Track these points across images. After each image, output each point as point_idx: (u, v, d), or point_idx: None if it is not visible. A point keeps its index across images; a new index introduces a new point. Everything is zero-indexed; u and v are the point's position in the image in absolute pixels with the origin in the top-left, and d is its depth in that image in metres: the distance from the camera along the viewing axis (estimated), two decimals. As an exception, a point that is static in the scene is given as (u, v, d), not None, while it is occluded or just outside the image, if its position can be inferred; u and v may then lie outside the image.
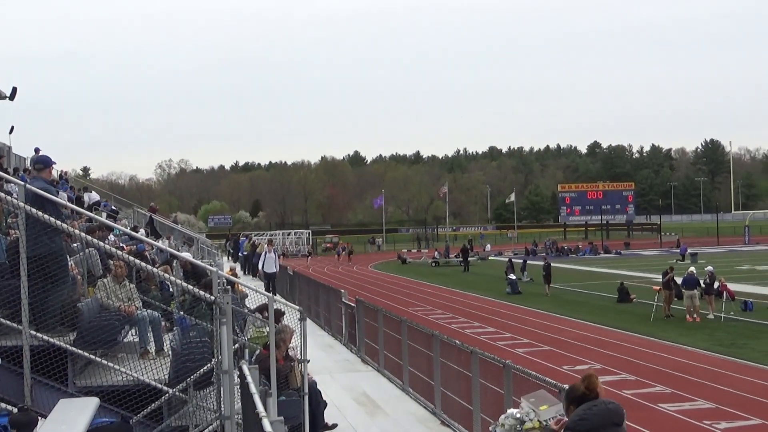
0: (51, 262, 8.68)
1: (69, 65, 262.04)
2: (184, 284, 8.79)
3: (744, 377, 20.27)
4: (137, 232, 20.74)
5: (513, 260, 51.72)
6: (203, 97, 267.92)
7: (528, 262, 55.66)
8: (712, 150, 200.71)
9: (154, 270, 9.25)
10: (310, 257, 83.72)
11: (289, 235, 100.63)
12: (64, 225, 8.54)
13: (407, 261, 75.46)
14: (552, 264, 43.69)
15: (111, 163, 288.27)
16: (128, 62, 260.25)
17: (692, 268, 33.10)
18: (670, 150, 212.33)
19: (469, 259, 64.69)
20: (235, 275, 29.44)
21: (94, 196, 29.05)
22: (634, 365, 21.87)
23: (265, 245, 37.37)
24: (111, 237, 16.40)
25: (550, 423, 7.69)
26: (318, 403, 12.45)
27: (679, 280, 31.93)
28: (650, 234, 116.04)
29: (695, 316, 30.25)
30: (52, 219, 8.32)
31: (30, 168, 28.99)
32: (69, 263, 9.80)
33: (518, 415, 7.93)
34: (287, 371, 11.73)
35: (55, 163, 10.87)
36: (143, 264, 8.93)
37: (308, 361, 11.90)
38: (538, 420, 7.82)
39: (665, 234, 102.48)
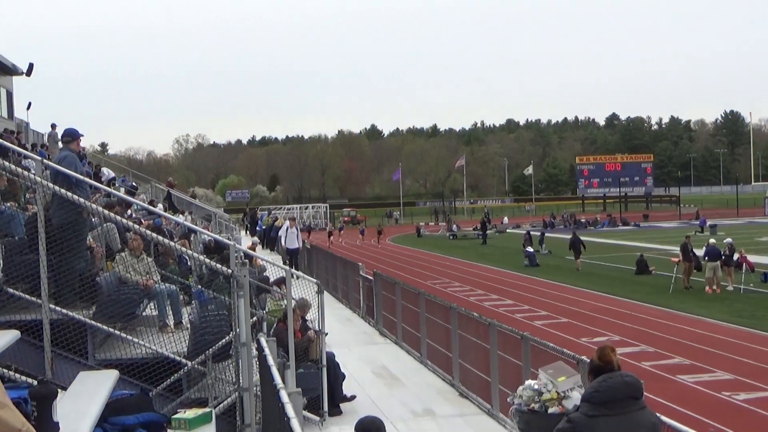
0: (73, 231, 8.73)
1: (85, 41, 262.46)
2: (202, 258, 8.80)
3: (763, 348, 20.19)
4: (155, 207, 20.81)
5: (531, 233, 51.61)
6: (220, 72, 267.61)
7: (546, 234, 55.44)
8: (732, 121, 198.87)
9: (172, 244, 9.27)
10: (331, 237, 65.37)
11: (306, 209, 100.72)
12: (82, 198, 8.55)
13: (422, 234, 75.43)
14: (568, 237, 43.45)
15: (129, 138, 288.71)
16: (145, 36, 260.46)
17: (712, 240, 32.98)
18: (689, 121, 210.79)
19: (487, 232, 64.57)
20: (254, 250, 29.59)
21: (108, 173, 29.11)
22: (653, 337, 21.83)
23: (286, 221, 37.38)
24: (129, 212, 16.47)
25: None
26: (337, 376, 12.49)
27: (698, 251, 31.80)
28: (669, 206, 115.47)
29: (715, 287, 30.14)
30: (73, 194, 8.35)
31: (47, 143, 29.13)
32: (88, 237, 9.86)
33: (536, 387, 7.94)
34: (305, 344, 11.77)
35: (83, 135, 10.90)
36: (160, 238, 8.94)
37: (326, 334, 11.93)
38: (556, 391, 7.84)
39: (684, 206, 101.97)
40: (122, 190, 26.31)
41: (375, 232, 69.70)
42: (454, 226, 76.16)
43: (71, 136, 10.16)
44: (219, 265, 8.49)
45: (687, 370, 18.00)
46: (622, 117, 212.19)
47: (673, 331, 22.59)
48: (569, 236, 44.30)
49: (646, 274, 36.10)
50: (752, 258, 33.92)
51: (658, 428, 5.17)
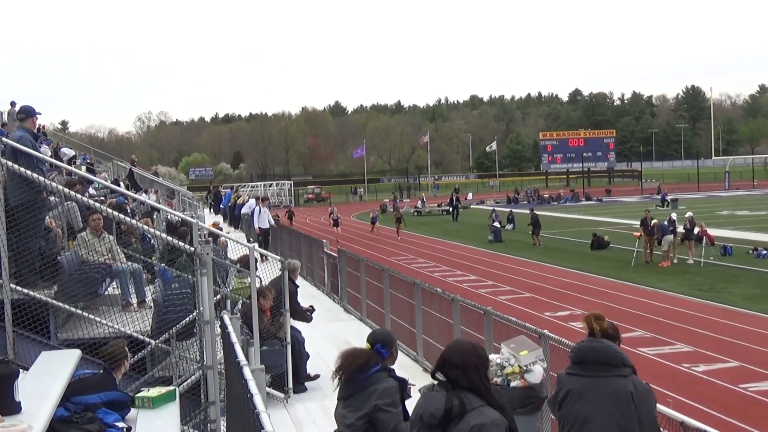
0: (31, 211, 8.65)
1: (45, 16, 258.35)
2: (164, 236, 8.77)
3: (722, 320, 20.55)
4: (118, 186, 20.64)
5: (496, 209, 51.89)
6: (182, 47, 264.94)
7: (514, 211, 55.53)
8: (693, 96, 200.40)
9: (134, 222, 9.22)
10: (339, 227, 48.80)
11: (270, 186, 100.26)
12: (40, 177, 8.46)
13: (386, 210, 75.43)
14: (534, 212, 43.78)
15: (89, 116, 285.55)
16: (106, 12, 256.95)
17: (673, 214, 33.41)
18: (651, 97, 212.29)
19: (459, 207, 64.40)
20: (218, 229, 29.45)
21: (68, 152, 28.76)
22: (615, 310, 22.08)
23: (250, 198, 37.24)
24: (91, 190, 16.32)
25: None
26: (301, 354, 12.52)
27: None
28: (631, 181, 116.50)
29: (674, 260, 30.82)
30: (28, 171, 8.27)
31: (6, 121, 28.71)
32: (47, 216, 9.77)
33: (499, 361, 8.04)
34: (276, 327, 11.77)
35: (39, 114, 10.75)
36: (122, 216, 8.89)
37: (288, 311, 11.93)
38: (519, 365, 7.94)
39: (646, 181, 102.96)
40: (83, 168, 26.04)
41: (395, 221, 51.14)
42: (419, 202, 76.33)
43: (26, 113, 9.98)
44: (182, 243, 8.46)
45: (648, 342, 18.27)
46: (585, 93, 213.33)
47: (635, 305, 22.89)
48: (542, 213, 44.62)
49: (604, 248, 36.54)
50: (712, 231, 34.42)
51: (628, 398, 5.30)
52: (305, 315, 13.38)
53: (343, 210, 77.02)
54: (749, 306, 22.37)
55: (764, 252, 31.81)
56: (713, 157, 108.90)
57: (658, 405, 5.72)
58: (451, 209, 64.11)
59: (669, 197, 66.06)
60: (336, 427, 5.84)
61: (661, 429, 5.62)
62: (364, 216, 69.56)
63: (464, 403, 4.39)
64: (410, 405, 5.01)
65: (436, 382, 4.60)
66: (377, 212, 55.81)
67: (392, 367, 5.82)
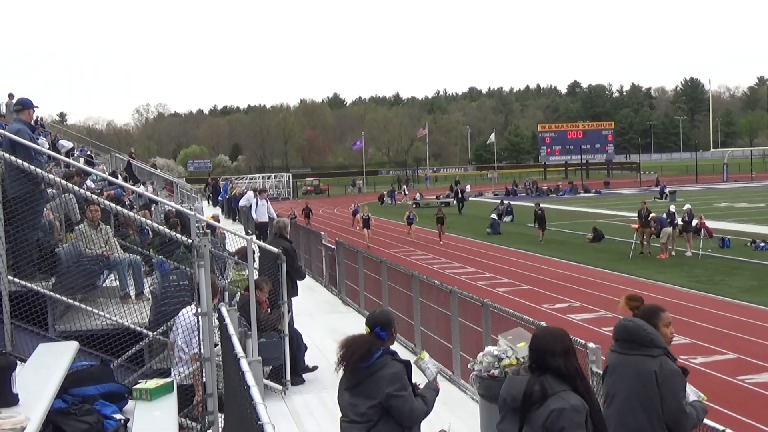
0: (29, 203, 8.65)
1: (43, 9, 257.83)
2: (161, 228, 8.76)
3: (720, 312, 20.57)
4: (116, 178, 20.63)
5: (505, 203, 51.98)
6: (181, 39, 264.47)
7: (513, 203, 55.52)
8: (692, 88, 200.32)
9: (130, 213, 9.22)
10: (369, 229, 40.96)
11: (269, 178, 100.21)
12: (38, 169, 8.46)
13: (384, 200, 75.37)
14: (530, 204, 43.72)
15: (88, 108, 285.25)
16: (105, 4, 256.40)
17: (672, 207, 33.45)
18: (650, 89, 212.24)
19: (464, 199, 63.87)
20: (218, 221, 29.41)
21: (67, 144, 28.75)
22: (613, 303, 21.94)
23: (248, 191, 37.07)
24: (89, 183, 16.32)
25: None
26: (299, 346, 12.52)
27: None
28: (630, 173, 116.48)
29: (672, 252, 30.82)
30: (26, 163, 8.26)
31: (3, 113, 28.68)
32: (44, 208, 9.77)
33: (496, 353, 8.03)
34: (275, 319, 11.75)
35: (37, 107, 10.73)
36: (119, 208, 8.89)
37: (285, 303, 11.93)
38: (516, 357, 7.93)
39: (644, 173, 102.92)
40: (81, 160, 26.03)
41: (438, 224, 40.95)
42: (418, 194, 76.27)
43: (23, 105, 9.97)
44: (179, 235, 8.46)
45: (645, 334, 18.26)
46: (584, 85, 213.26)
47: (633, 297, 22.88)
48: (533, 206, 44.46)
49: (602, 240, 36.63)
50: (711, 224, 34.43)
51: (651, 378, 5.40)
52: (301, 272, 14.00)
53: (342, 202, 76.68)
54: (747, 298, 22.40)
55: (762, 244, 31.83)
56: (712, 150, 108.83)
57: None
58: (455, 201, 63.69)
59: (667, 189, 66.06)
60: (340, 417, 5.87)
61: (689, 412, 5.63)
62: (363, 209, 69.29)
63: (545, 387, 4.47)
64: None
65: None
66: (413, 211, 44.76)
67: (393, 348, 5.86)
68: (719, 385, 14.56)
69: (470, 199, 75.56)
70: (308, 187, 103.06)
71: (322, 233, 25.42)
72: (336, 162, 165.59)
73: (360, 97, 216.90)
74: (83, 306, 8.85)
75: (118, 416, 5.88)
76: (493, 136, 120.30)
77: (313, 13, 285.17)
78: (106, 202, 8.79)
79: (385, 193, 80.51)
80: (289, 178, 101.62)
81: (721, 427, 5.94)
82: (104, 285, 10.17)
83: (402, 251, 36.19)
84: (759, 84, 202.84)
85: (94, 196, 9.12)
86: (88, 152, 32.79)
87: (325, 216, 64.39)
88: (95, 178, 17.10)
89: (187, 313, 8.43)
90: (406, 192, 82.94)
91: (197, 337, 8.08)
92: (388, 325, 5.88)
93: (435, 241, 40.08)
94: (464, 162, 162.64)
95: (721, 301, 22.12)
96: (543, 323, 8.87)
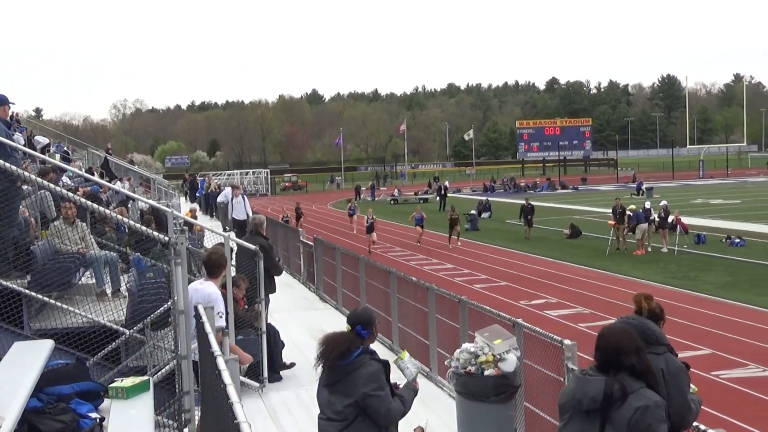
0: (5, 200, 8.60)
1: (19, 7, 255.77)
2: (138, 225, 8.72)
3: (695, 308, 20.72)
4: (92, 174, 20.49)
5: (489, 200, 52.17)
6: (159, 34, 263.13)
7: (490, 199, 55.70)
8: (669, 85, 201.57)
9: (107, 211, 9.17)
10: (374, 233, 36.63)
11: (247, 174, 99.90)
12: (13, 166, 8.40)
13: (361, 196, 75.35)
14: (508, 201, 43.80)
15: (64, 103, 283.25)
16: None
17: (647, 203, 33.66)
18: (627, 86, 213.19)
19: (446, 195, 63.66)
20: (195, 217, 29.29)
21: (43, 140, 28.52)
22: (589, 299, 22.25)
23: (226, 187, 36.75)
24: (65, 179, 16.21)
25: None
26: (276, 343, 12.50)
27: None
28: (607, 169, 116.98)
29: (648, 248, 31.01)
30: (2, 160, 8.21)
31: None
32: (19, 205, 9.70)
33: (473, 350, 8.05)
34: (251, 317, 11.73)
35: (13, 103, 10.64)
36: (95, 205, 8.83)
37: (262, 300, 11.91)
38: (492, 354, 7.96)
39: (621, 169, 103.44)
40: (57, 156, 25.83)
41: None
42: (396, 190, 76.30)
43: (-2, 101, 9.91)
44: (156, 233, 8.43)
45: (622, 330, 18.36)
46: (562, 81, 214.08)
47: (609, 293, 23.03)
48: (518, 201, 44.39)
49: (579, 236, 36.80)
50: (686, 220, 34.69)
51: (659, 375, 5.41)
52: (279, 267, 14.38)
53: (320, 198, 76.42)
54: (722, 294, 22.59)
55: (737, 240, 32.09)
56: (688, 146, 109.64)
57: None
58: (438, 198, 63.57)
59: (644, 186, 66.45)
60: (318, 412, 5.88)
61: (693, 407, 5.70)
62: (341, 205, 69.12)
63: (624, 386, 4.49)
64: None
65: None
66: (420, 210, 39.84)
67: (373, 348, 5.87)
68: (694, 381, 14.53)
69: (449, 195, 75.73)
70: (286, 183, 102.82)
71: (300, 230, 25.39)
72: (314, 158, 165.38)
73: (339, 93, 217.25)
74: (59, 304, 8.80)
75: (93, 415, 5.88)
76: (471, 132, 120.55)
77: (291, 9, 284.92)
78: (82, 200, 8.73)
79: (361, 186, 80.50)
80: (267, 174, 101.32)
81: (703, 427, 5.96)
82: (80, 282, 10.10)
83: (380, 248, 36.14)
84: (735, 81, 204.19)
85: (70, 194, 9.05)
86: (65, 148, 32.53)
87: (317, 214, 64.17)
88: (71, 174, 16.99)
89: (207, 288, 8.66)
90: (377, 189, 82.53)
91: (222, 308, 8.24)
92: (370, 323, 5.89)
93: (426, 241, 37.71)
94: (443, 158, 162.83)
95: (696, 297, 22.28)
96: (519, 320, 8.91)
